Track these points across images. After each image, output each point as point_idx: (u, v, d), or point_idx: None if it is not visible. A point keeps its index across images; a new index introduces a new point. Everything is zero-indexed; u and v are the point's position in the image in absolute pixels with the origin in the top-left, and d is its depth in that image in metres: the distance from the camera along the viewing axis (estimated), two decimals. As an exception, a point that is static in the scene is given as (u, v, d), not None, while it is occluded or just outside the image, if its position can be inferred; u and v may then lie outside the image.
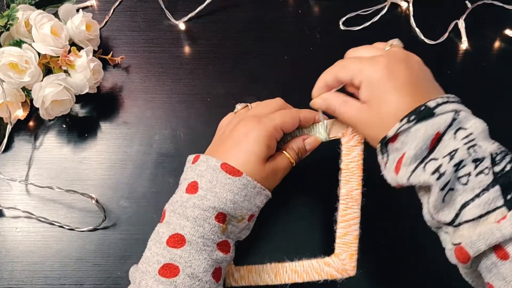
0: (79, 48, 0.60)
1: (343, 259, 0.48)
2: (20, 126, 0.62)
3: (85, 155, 0.61)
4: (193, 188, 0.46)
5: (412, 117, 0.42)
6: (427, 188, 0.42)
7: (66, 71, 0.59)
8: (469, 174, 0.39)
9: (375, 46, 0.50)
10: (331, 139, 0.52)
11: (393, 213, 0.59)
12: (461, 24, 0.68)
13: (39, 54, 0.58)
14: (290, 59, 0.67)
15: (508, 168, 0.39)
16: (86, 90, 0.59)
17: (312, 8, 0.71)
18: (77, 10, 0.64)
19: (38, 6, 0.63)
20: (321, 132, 0.52)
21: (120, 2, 0.71)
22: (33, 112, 0.62)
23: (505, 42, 0.68)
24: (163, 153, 0.60)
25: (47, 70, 0.60)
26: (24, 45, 0.58)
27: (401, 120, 0.42)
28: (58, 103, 0.58)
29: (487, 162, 0.39)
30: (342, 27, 0.69)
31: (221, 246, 0.45)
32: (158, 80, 0.65)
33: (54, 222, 0.56)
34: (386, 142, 0.44)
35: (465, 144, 0.40)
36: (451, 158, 0.40)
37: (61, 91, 0.57)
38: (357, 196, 0.49)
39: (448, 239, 0.41)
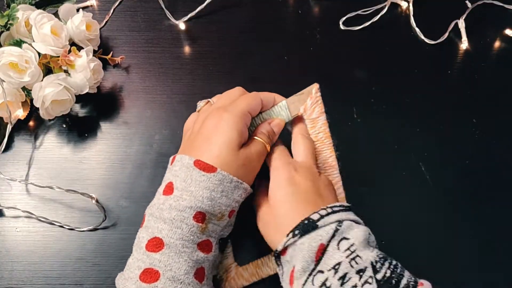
0: (79, 48, 0.60)
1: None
2: (20, 126, 0.62)
3: (85, 155, 0.61)
4: (169, 189, 0.46)
5: (297, 231, 0.44)
6: None
7: (66, 71, 0.59)
8: (355, 286, 0.41)
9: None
10: (293, 117, 0.53)
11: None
12: (461, 24, 0.68)
13: (39, 54, 0.58)
14: (290, 59, 0.67)
15: (388, 273, 0.41)
16: (86, 90, 0.59)
17: (312, 8, 0.71)
18: (77, 10, 0.64)
19: (38, 6, 0.63)
20: (282, 114, 0.53)
21: (120, 2, 0.71)
22: (33, 112, 0.62)
23: (505, 42, 0.68)
24: (163, 153, 0.60)
25: (47, 70, 0.60)
26: (24, 45, 0.58)
27: (288, 234, 0.44)
28: (58, 103, 0.58)
29: (369, 271, 0.41)
30: (342, 27, 0.69)
31: (202, 246, 0.45)
32: (158, 80, 0.65)
33: (54, 222, 0.56)
34: (278, 255, 0.46)
35: (348, 256, 0.42)
36: (336, 272, 0.41)
37: (61, 91, 0.57)
38: (333, 162, 0.52)
39: None
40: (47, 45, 0.58)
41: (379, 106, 0.63)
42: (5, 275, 0.54)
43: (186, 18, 0.69)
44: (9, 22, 0.58)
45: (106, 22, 0.69)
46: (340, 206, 0.46)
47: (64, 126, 0.62)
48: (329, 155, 0.53)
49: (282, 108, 0.53)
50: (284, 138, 0.53)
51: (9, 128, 0.59)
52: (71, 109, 0.61)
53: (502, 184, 0.59)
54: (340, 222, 0.44)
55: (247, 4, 0.71)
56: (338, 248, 0.42)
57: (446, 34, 0.68)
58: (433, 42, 0.68)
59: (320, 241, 0.43)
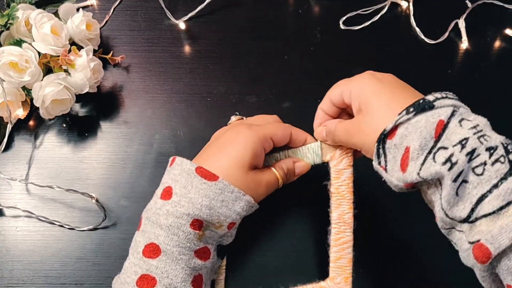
0: (79, 48, 0.60)
1: (338, 283, 0.47)
2: (20, 126, 0.62)
3: (85, 154, 0.61)
4: (167, 193, 0.45)
5: (411, 109, 0.40)
6: (438, 184, 0.39)
7: (66, 71, 0.59)
8: (484, 163, 0.36)
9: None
10: (319, 162, 0.51)
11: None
12: (461, 23, 0.68)
13: (39, 53, 0.58)
14: (290, 59, 0.67)
15: None
16: (86, 90, 0.59)
17: (312, 7, 0.71)
18: (77, 10, 0.64)
19: (38, 5, 0.63)
20: (308, 156, 0.51)
21: (121, 2, 0.70)
22: (33, 111, 0.62)
23: (505, 41, 0.68)
24: (163, 152, 0.60)
25: (47, 70, 0.60)
26: (24, 45, 0.58)
27: (400, 113, 0.40)
28: (58, 102, 0.58)
29: (501, 151, 0.37)
30: (342, 26, 0.69)
31: (199, 253, 0.44)
32: (158, 79, 0.65)
33: (54, 221, 0.56)
34: (383, 139, 0.41)
35: (474, 134, 0.37)
36: (463, 147, 0.37)
37: (61, 90, 0.57)
38: (349, 219, 0.48)
39: (464, 238, 0.37)
40: (47, 44, 0.58)
41: (379, 105, 0.63)
42: (5, 275, 0.54)
43: (186, 18, 0.69)
44: (9, 22, 0.58)
45: (106, 21, 0.69)
46: (452, 94, 0.42)
47: (64, 125, 0.62)
48: (346, 211, 0.48)
49: (310, 151, 0.51)
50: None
51: (9, 127, 0.59)
52: (71, 108, 0.61)
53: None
54: (456, 106, 0.40)
55: (247, 3, 0.71)
56: (461, 126, 0.38)
57: (446, 34, 0.68)
58: (433, 42, 0.68)
59: (439, 117, 0.38)
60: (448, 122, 0.38)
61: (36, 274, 0.54)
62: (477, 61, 0.67)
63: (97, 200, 0.55)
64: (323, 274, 0.49)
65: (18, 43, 0.58)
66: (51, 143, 0.61)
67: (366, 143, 0.44)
